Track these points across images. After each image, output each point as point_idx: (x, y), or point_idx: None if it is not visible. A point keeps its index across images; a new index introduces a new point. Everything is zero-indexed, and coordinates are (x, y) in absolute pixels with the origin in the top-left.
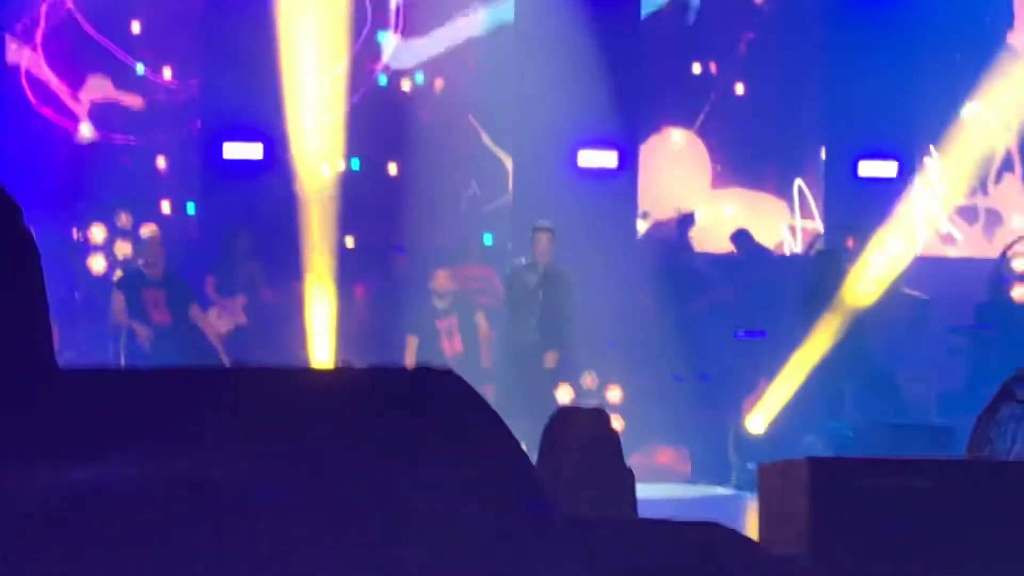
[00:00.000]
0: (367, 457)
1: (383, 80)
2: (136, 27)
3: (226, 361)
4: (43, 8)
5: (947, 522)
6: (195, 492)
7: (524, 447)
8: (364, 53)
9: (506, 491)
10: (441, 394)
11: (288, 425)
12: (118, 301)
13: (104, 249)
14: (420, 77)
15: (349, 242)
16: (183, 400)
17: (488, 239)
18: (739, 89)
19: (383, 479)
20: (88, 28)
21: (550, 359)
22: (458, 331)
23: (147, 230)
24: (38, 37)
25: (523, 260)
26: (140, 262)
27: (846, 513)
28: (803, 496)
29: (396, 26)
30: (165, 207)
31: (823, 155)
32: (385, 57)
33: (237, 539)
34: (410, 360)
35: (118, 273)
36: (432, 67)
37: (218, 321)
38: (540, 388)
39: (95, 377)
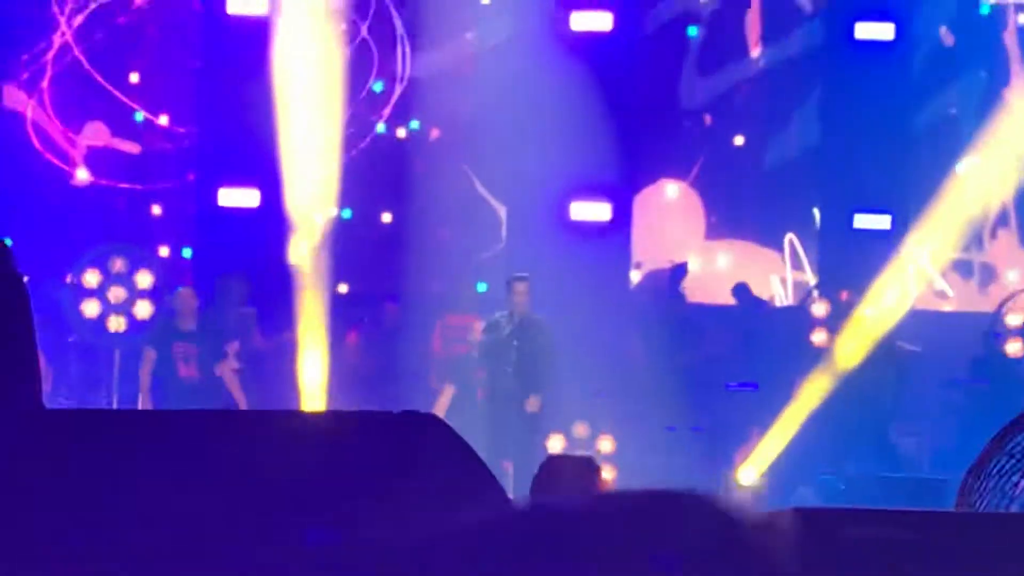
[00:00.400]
0: (355, 498)
1: (381, 128)
2: (135, 77)
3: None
4: (49, 56)
5: (932, 575)
6: None
7: (509, 491)
8: (361, 102)
9: (488, 531)
10: (426, 439)
11: (278, 467)
12: (148, 359)
13: (98, 294)
14: (416, 124)
15: (343, 288)
16: (172, 443)
17: (482, 287)
18: (735, 141)
19: (370, 519)
20: (92, 75)
21: (532, 404)
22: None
23: (183, 293)
24: (44, 83)
25: (500, 312)
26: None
27: (831, 564)
28: (788, 546)
29: (401, 78)
30: (160, 252)
31: (817, 210)
32: (386, 107)
33: None
34: (442, 410)
35: (113, 324)
36: (428, 115)
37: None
38: (521, 434)
39: (83, 418)
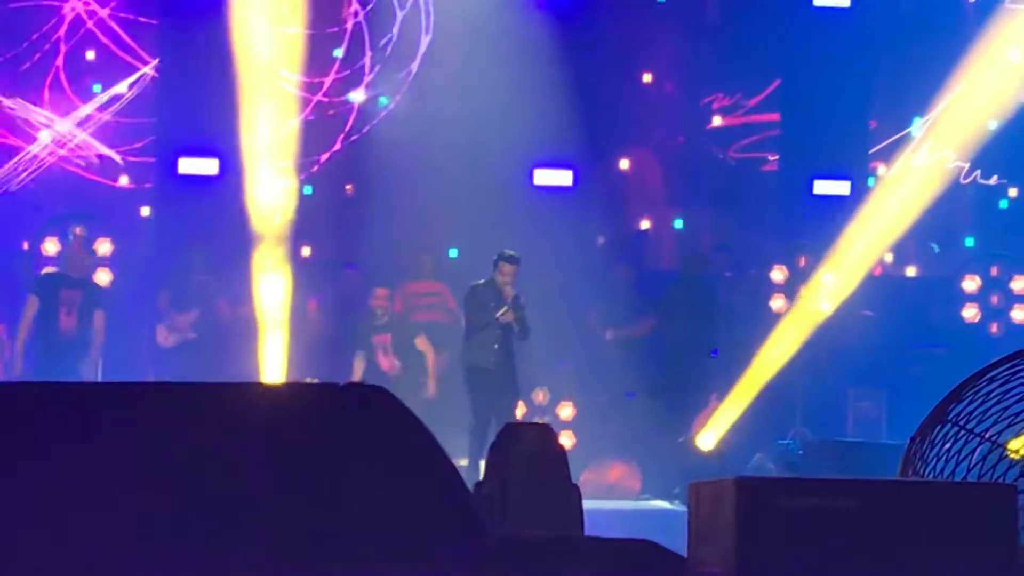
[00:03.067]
0: (300, 468)
1: (355, 96)
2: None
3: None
4: (61, 31)
5: (874, 542)
6: None
7: (482, 464)
8: (321, 71)
9: (435, 502)
10: (371, 409)
11: (227, 439)
12: (31, 306)
13: (57, 261)
14: (384, 100)
15: (305, 252)
16: (118, 414)
17: (454, 253)
18: (702, 110)
19: (314, 490)
20: (108, 45)
21: (540, 395)
22: (392, 349)
23: (77, 230)
24: (59, 60)
25: (481, 281)
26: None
27: (773, 533)
28: (731, 516)
29: (426, 28)
30: (119, 221)
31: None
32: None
33: None
34: (356, 376)
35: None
36: (392, 88)
37: (165, 336)
38: (501, 407)
39: (32, 390)
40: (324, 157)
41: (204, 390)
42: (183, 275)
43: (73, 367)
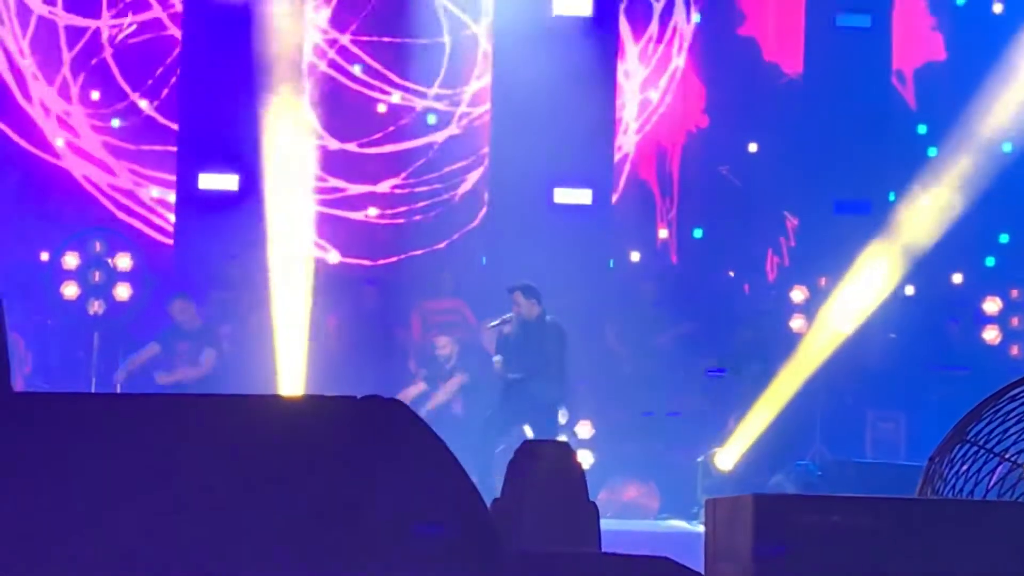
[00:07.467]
0: (316, 481)
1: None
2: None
3: None
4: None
5: (892, 561)
6: None
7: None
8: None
9: (451, 516)
10: (389, 423)
11: (244, 450)
12: (151, 350)
13: (77, 276)
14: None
15: (333, 258)
16: (142, 426)
17: (484, 260)
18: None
19: (333, 502)
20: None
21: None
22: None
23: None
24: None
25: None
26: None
27: (791, 551)
28: (748, 532)
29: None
30: (140, 236)
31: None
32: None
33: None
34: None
35: (93, 307)
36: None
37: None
38: (519, 423)
39: (52, 401)
40: (471, 174)
41: (222, 402)
42: (199, 293)
43: None
